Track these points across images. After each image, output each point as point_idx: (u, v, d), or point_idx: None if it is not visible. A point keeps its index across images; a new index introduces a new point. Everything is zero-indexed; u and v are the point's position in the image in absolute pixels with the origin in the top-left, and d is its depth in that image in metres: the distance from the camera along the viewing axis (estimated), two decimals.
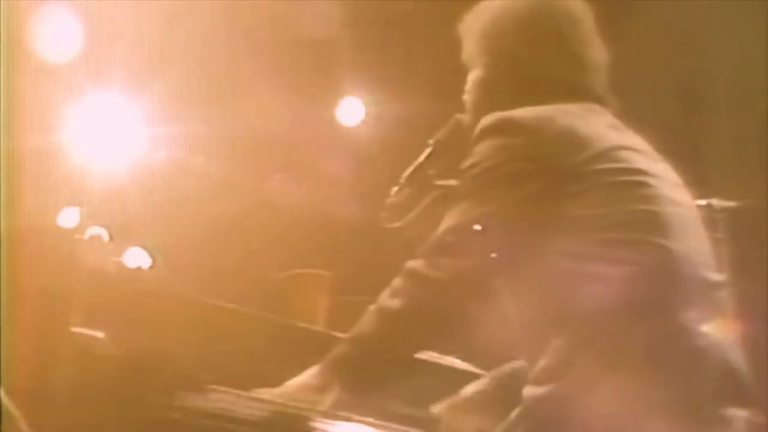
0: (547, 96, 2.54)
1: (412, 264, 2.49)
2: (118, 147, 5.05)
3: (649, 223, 2.39)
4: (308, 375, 2.53)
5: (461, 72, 2.78)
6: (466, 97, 2.74)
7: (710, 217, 3.84)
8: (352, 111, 5.62)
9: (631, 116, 2.64)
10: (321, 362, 2.53)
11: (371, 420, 2.69)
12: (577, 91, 2.59)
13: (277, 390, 2.54)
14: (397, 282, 2.49)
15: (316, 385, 2.50)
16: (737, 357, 2.39)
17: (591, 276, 2.33)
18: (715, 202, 3.87)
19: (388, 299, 2.49)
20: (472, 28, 2.71)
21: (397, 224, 2.88)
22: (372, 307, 2.51)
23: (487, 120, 2.53)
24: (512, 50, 2.65)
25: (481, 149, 2.51)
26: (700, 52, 4.69)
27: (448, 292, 2.45)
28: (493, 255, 2.43)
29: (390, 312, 2.47)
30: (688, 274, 2.37)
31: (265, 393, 2.53)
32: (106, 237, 3.03)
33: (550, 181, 2.41)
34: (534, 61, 2.62)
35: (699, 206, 2.73)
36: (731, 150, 4.58)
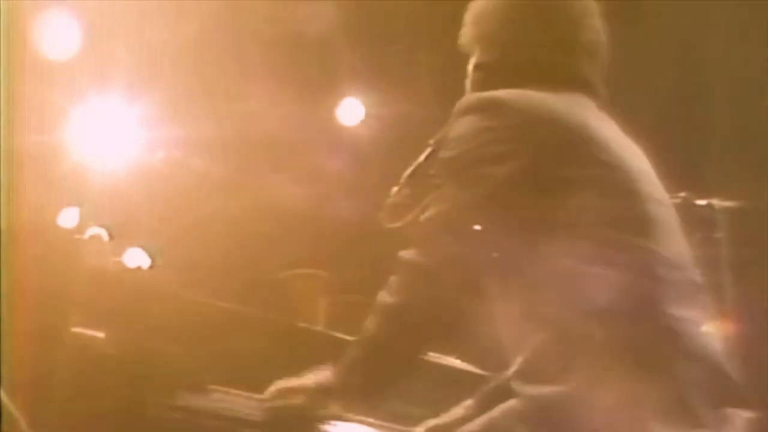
0: (535, 79, 2.52)
1: (405, 255, 2.48)
2: (119, 147, 5.05)
3: (635, 224, 2.38)
4: (324, 375, 2.52)
5: (461, 72, 2.78)
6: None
7: (710, 217, 3.85)
8: (352, 111, 5.62)
9: (630, 116, 2.63)
10: (334, 365, 2.52)
11: (371, 420, 2.69)
12: (566, 75, 2.56)
13: (291, 383, 2.53)
14: (393, 279, 2.49)
15: (333, 387, 2.50)
16: (727, 357, 2.38)
17: (579, 276, 2.32)
18: (715, 202, 3.87)
19: (387, 297, 2.49)
20: (469, 14, 2.71)
21: (397, 224, 2.87)
22: (375, 308, 2.51)
23: (467, 99, 2.51)
24: (499, 33, 2.64)
25: (462, 130, 2.47)
26: (700, 51, 4.69)
27: (442, 277, 2.44)
28: (483, 248, 2.41)
29: (391, 309, 2.47)
30: (673, 276, 2.36)
31: (278, 384, 2.53)
32: (106, 237, 3.03)
33: (534, 164, 2.38)
34: (520, 44, 2.61)
35: (699, 207, 2.73)
36: (731, 150, 4.58)
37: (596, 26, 2.63)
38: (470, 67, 2.70)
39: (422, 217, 2.50)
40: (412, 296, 2.46)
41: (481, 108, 2.47)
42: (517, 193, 2.37)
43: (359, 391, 2.51)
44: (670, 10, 4.69)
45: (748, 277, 3.78)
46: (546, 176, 2.37)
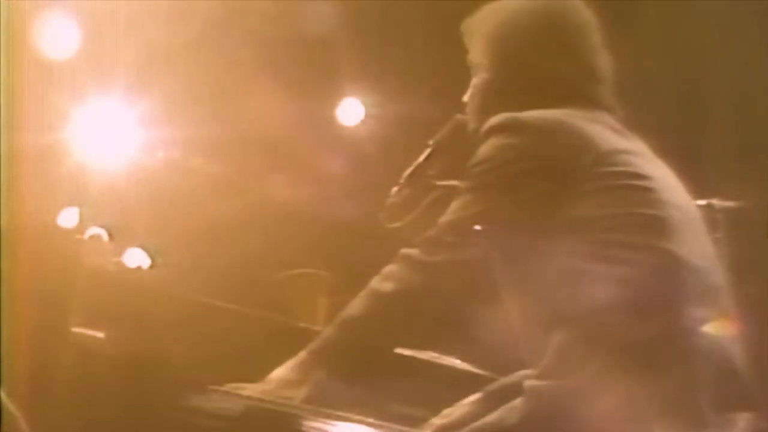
0: (554, 103, 2.55)
1: (407, 251, 2.49)
2: (119, 147, 5.05)
3: (653, 227, 2.40)
4: (288, 367, 2.53)
5: (461, 72, 2.78)
6: (469, 100, 2.74)
7: (710, 217, 3.84)
8: (352, 111, 5.61)
9: (631, 116, 2.64)
10: (305, 350, 2.52)
11: (371, 420, 2.69)
12: (585, 100, 2.60)
13: (258, 386, 2.54)
14: (389, 267, 2.50)
15: (294, 378, 2.50)
16: (739, 359, 2.39)
17: (594, 275, 2.33)
18: (715, 202, 3.87)
19: (379, 283, 2.49)
20: (478, 29, 2.71)
21: (397, 224, 2.88)
22: (362, 292, 2.52)
23: (494, 120, 2.54)
24: (521, 55, 2.66)
25: (487, 148, 2.52)
26: (700, 51, 4.68)
27: (442, 277, 2.45)
28: (494, 251, 2.43)
29: (381, 295, 2.47)
30: (691, 278, 2.38)
31: (246, 389, 2.54)
32: (106, 237, 3.03)
33: (555, 181, 2.41)
34: (542, 68, 2.63)
35: (699, 207, 2.74)
36: (731, 150, 4.58)
37: (607, 56, 2.67)
38: (476, 84, 2.71)
39: (438, 223, 2.51)
40: (405, 287, 2.46)
41: (506, 128, 2.51)
42: (536, 202, 2.40)
43: (331, 371, 2.50)
44: (669, 11, 4.69)
45: (748, 277, 3.77)
46: (565, 189, 2.40)
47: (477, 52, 2.70)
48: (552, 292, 2.37)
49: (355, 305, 2.50)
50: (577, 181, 2.41)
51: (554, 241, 2.37)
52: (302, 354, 2.53)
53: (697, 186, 2.76)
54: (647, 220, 2.40)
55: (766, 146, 4.45)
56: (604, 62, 2.66)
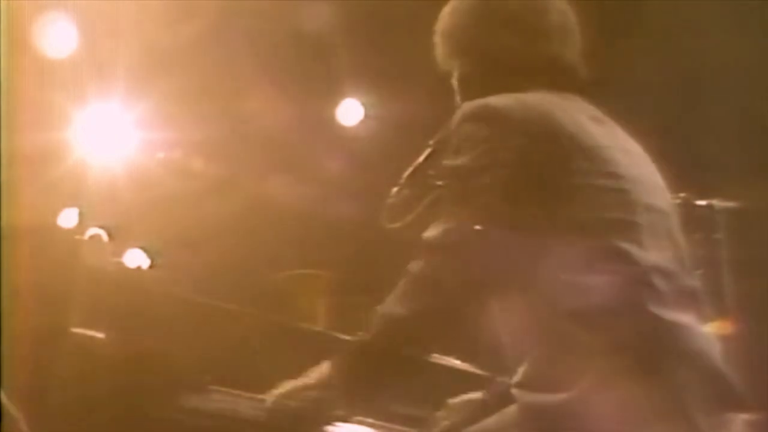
0: (522, 79, 2.52)
1: (416, 267, 2.47)
2: (119, 147, 5.05)
3: (625, 232, 2.37)
4: (313, 378, 2.51)
5: None
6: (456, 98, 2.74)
7: (710, 217, 3.85)
8: (352, 111, 5.62)
9: (630, 115, 2.63)
10: (327, 367, 2.51)
11: (371, 420, 2.70)
12: (551, 66, 2.56)
13: (280, 390, 2.54)
14: (402, 287, 2.48)
15: (330, 391, 2.50)
16: (728, 360, 2.38)
17: (573, 284, 2.32)
18: (716, 202, 3.88)
19: (394, 305, 2.47)
20: (437, 35, 2.72)
21: (397, 224, 2.86)
22: (378, 311, 2.50)
23: (467, 107, 2.51)
24: (474, 43, 2.64)
25: (461, 140, 2.48)
26: (700, 50, 4.69)
27: (454, 296, 2.43)
28: (491, 259, 2.42)
29: (397, 319, 2.46)
30: (662, 282, 2.36)
31: (280, 387, 2.53)
32: (105, 237, 3.03)
33: (534, 173, 2.38)
34: (497, 46, 2.61)
35: (699, 206, 2.73)
36: (731, 150, 4.58)
37: (562, 8, 2.64)
38: (454, 82, 2.71)
39: (428, 234, 2.50)
40: (422, 308, 2.45)
41: (477, 117, 2.48)
42: (511, 204, 2.38)
43: (355, 395, 2.50)
44: (669, 12, 4.70)
45: (748, 277, 3.78)
46: (540, 185, 2.38)
47: (440, 55, 2.71)
48: (530, 302, 2.36)
49: (374, 328, 2.48)
50: (555, 174, 2.38)
51: (532, 243, 2.35)
52: (323, 372, 2.51)
53: (697, 186, 2.77)
54: (620, 225, 2.37)
55: (767, 146, 4.46)
56: (558, 14, 2.60)
